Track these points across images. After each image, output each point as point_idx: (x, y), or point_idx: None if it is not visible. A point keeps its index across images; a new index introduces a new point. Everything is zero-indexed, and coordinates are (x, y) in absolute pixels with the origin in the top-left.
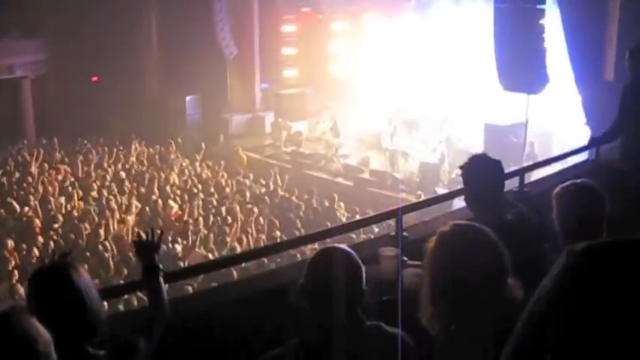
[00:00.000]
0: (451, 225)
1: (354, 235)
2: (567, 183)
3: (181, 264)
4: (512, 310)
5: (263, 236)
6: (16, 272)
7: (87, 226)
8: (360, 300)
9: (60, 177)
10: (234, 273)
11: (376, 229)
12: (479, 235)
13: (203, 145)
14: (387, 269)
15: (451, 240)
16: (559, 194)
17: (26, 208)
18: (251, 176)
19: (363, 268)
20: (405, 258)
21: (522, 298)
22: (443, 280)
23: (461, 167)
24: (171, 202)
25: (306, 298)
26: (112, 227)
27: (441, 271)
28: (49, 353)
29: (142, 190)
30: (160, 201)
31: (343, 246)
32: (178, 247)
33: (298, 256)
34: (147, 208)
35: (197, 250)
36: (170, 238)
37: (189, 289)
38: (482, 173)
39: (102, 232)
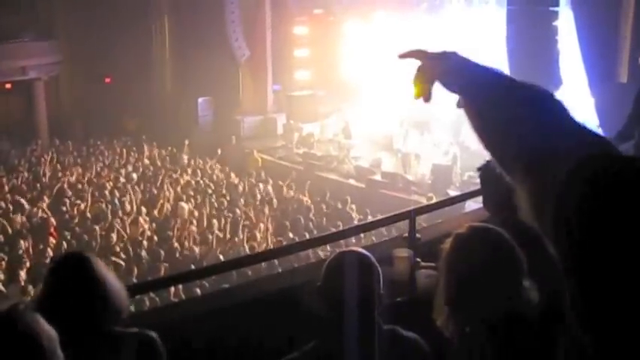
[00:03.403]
0: (467, 227)
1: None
2: None
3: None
4: (528, 312)
5: (274, 238)
6: (25, 274)
7: (99, 227)
8: (378, 304)
9: (72, 178)
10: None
11: (385, 232)
12: (494, 236)
13: (219, 151)
14: (400, 270)
15: (467, 242)
16: None
17: (38, 209)
18: (264, 177)
19: (381, 272)
20: (418, 259)
21: (537, 300)
22: (458, 282)
23: (479, 169)
24: (182, 204)
25: (322, 301)
26: (126, 228)
27: (457, 273)
28: (53, 350)
29: (155, 191)
30: (169, 202)
31: (360, 249)
32: (197, 249)
33: (319, 251)
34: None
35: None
36: (187, 242)
37: (198, 291)
38: (499, 175)
39: (115, 233)
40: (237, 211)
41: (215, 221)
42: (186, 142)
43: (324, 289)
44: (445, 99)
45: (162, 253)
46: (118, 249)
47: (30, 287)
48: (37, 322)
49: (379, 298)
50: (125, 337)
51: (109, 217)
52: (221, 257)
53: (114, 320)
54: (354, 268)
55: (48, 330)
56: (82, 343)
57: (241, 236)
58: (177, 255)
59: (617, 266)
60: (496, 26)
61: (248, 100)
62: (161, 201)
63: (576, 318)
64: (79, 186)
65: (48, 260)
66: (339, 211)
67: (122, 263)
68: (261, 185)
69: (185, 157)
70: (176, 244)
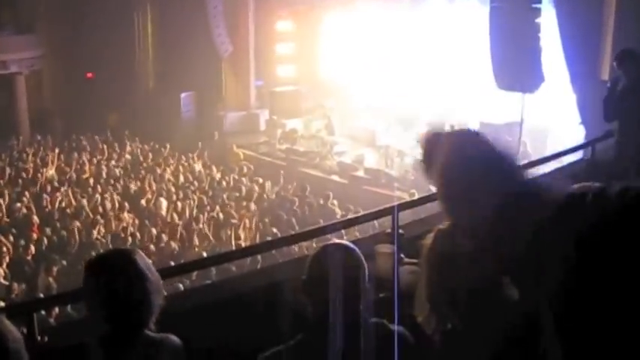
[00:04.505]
0: (449, 222)
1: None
2: (585, 184)
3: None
4: (508, 308)
5: (257, 233)
6: (4, 270)
7: (80, 222)
8: (363, 297)
9: (53, 174)
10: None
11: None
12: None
13: (200, 145)
14: (383, 266)
15: (448, 238)
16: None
17: (19, 204)
18: (246, 172)
19: (366, 265)
20: (401, 255)
21: (517, 297)
22: (440, 278)
23: None
24: (161, 199)
25: (307, 295)
26: (109, 224)
27: (438, 269)
28: (18, 350)
29: (136, 186)
30: (154, 198)
31: (345, 242)
32: (173, 244)
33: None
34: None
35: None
36: (164, 237)
37: (181, 286)
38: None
39: (96, 229)
40: (217, 207)
41: (202, 216)
42: (167, 146)
43: (308, 283)
44: (428, 95)
45: (151, 248)
46: (99, 244)
47: (15, 285)
48: (2, 322)
49: (365, 291)
50: (159, 342)
51: (90, 212)
52: (204, 254)
53: (151, 320)
54: (339, 260)
55: (13, 331)
56: (124, 347)
57: (224, 232)
58: (153, 248)
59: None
60: (479, 22)
61: (231, 96)
62: (146, 196)
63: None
64: (61, 182)
65: (30, 257)
66: (322, 207)
67: None
68: (244, 179)
69: (167, 153)
70: (151, 244)
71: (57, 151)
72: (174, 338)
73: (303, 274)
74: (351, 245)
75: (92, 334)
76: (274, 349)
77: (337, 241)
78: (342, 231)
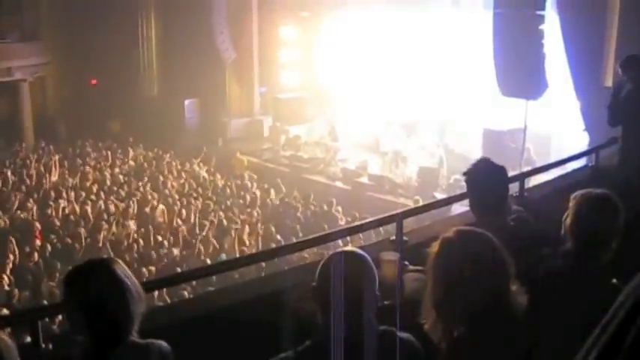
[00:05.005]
0: (454, 230)
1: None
2: (588, 191)
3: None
4: (516, 315)
5: (261, 241)
6: (8, 276)
7: (84, 230)
8: (373, 304)
9: (57, 180)
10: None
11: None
12: (482, 240)
13: (204, 149)
14: (387, 274)
15: (455, 245)
16: (580, 202)
17: (22, 211)
18: (248, 179)
19: (376, 272)
20: (405, 262)
21: (525, 304)
22: (446, 286)
23: (464, 173)
24: (162, 207)
25: (317, 302)
26: (111, 231)
27: (444, 277)
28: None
29: (140, 193)
30: (157, 205)
31: (356, 249)
32: (176, 251)
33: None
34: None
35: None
36: (167, 243)
37: (185, 293)
38: (485, 179)
39: (99, 236)
40: (221, 213)
41: (207, 222)
42: (170, 152)
43: (318, 290)
44: (432, 102)
45: (154, 254)
46: (105, 252)
47: (16, 291)
48: None
49: (374, 298)
50: (144, 348)
51: (94, 219)
52: (208, 261)
53: (133, 328)
54: (350, 268)
55: (6, 340)
56: (107, 355)
57: (228, 239)
58: (155, 256)
59: None
60: (483, 28)
61: (235, 102)
62: (150, 203)
63: None
64: (64, 188)
65: (32, 264)
66: (325, 214)
67: None
68: (248, 184)
69: (171, 161)
70: (153, 252)
71: (61, 157)
72: (162, 343)
73: (314, 280)
74: (362, 252)
75: (78, 346)
76: (282, 355)
77: (348, 248)
78: (347, 238)
